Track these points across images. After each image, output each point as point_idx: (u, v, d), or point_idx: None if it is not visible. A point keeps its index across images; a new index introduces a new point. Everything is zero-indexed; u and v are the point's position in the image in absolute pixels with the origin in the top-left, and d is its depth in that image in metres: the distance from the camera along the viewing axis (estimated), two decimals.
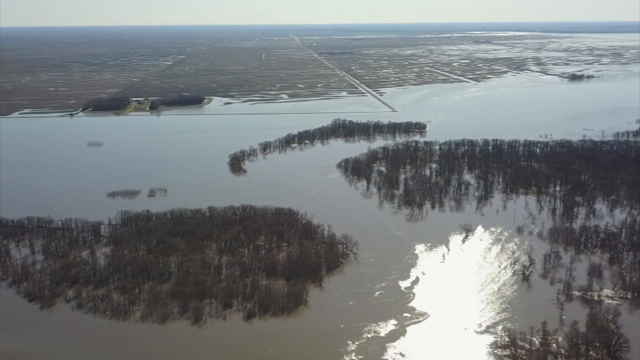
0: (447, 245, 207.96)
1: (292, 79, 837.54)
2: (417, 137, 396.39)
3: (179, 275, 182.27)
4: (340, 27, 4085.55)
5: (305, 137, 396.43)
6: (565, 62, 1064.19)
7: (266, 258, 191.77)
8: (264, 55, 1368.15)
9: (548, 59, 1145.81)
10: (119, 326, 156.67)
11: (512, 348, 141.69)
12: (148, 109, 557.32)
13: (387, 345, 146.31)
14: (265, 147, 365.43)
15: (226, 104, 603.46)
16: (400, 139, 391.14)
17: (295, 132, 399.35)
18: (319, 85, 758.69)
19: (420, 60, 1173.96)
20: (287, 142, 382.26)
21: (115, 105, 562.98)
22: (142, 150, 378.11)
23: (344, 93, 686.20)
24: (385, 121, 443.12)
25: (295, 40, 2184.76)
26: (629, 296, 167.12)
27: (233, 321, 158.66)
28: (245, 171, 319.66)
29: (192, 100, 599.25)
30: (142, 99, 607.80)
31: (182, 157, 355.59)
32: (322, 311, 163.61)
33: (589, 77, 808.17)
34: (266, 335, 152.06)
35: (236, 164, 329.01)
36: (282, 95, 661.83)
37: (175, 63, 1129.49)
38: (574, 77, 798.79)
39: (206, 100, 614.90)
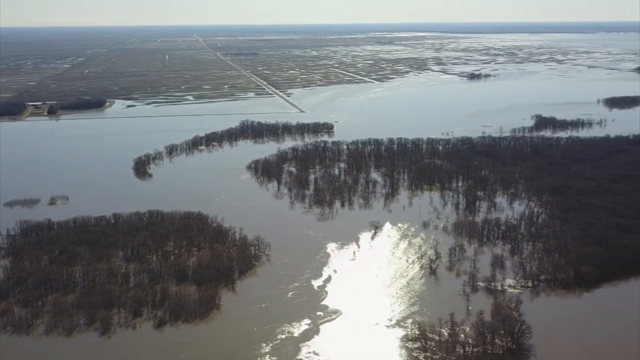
0: (357, 243, 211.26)
1: (198, 80, 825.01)
2: (325, 137, 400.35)
3: (84, 285, 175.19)
4: (245, 28, 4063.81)
5: (213, 139, 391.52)
6: (464, 62, 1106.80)
7: (176, 264, 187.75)
8: (167, 56, 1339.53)
9: (448, 59, 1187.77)
10: (21, 341, 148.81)
11: (422, 340, 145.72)
12: (46, 113, 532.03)
13: (301, 345, 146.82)
14: (172, 150, 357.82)
15: (129, 106, 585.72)
16: (309, 140, 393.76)
17: (202, 134, 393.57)
18: (226, 86, 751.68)
19: (326, 61, 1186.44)
20: (194, 144, 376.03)
21: (10, 110, 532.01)
22: (41, 156, 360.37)
23: (251, 94, 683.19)
24: (293, 122, 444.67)
25: (199, 41, 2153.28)
26: (530, 284, 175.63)
27: (143, 330, 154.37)
28: (151, 175, 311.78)
29: (93, 104, 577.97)
30: (40, 103, 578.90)
31: (84, 162, 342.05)
32: (235, 315, 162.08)
33: (486, 75, 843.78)
34: (178, 342, 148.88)
35: (141, 168, 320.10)
36: (188, 97, 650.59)
37: (74, 66, 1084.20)
38: (472, 76, 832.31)
39: (108, 103, 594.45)
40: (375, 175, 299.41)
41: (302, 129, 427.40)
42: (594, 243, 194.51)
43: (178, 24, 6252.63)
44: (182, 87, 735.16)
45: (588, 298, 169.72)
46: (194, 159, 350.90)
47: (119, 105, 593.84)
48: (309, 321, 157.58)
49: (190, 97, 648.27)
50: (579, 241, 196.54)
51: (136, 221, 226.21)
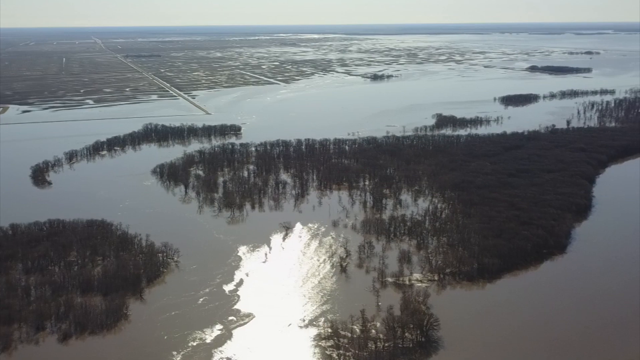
0: (268, 245, 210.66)
1: (98, 83, 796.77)
2: (233, 140, 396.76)
3: None
4: (146, 30, 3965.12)
5: (115, 144, 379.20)
6: (367, 63, 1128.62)
7: (80, 274, 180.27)
8: (64, 59, 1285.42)
9: (351, 60, 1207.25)
10: None
11: (335, 338, 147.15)
12: None
13: (213, 351, 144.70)
14: (72, 157, 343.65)
15: (24, 112, 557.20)
16: (217, 142, 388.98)
17: (104, 138, 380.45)
18: (127, 89, 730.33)
19: (230, 62, 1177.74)
20: (96, 149, 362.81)
21: None
22: None
23: (154, 97, 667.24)
24: (199, 124, 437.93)
25: (98, 44, 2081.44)
26: (436, 278, 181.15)
27: (47, 344, 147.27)
28: (51, 183, 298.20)
29: None
30: None
31: None
32: (144, 324, 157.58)
33: (389, 76, 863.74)
34: (85, 355, 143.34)
35: (39, 176, 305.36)
36: (88, 101, 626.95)
37: None
38: (375, 77, 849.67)
39: (1, 109, 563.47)
40: (284, 176, 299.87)
41: (208, 132, 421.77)
42: (495, 235, 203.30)
43: (75, 26, 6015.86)
44: (82, 91, 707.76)
45: (491, 288, 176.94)
46: (95, 165, 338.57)
47: (13, 110, 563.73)
48: (221, 326, 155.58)
49: (90, 101, 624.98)
50: (481, 234, 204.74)
51: (36, 231, 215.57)
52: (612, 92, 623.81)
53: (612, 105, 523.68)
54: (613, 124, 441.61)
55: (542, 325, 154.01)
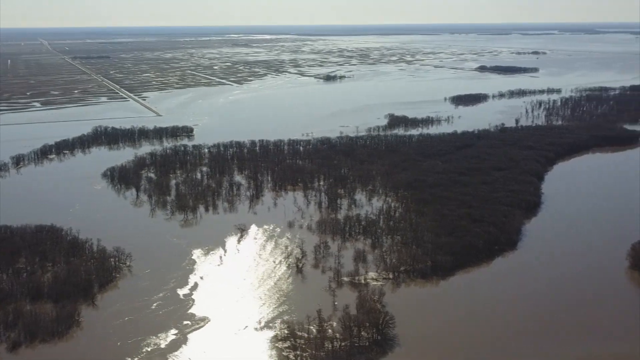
0: (223, 247, 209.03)
1: (45, 85, 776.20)
2: (185, 141, 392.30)
3: None
4: (95, 31, 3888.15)
5: (64, 147, 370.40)
6: (320, 64, 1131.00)
7: (29, 281, 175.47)
8: (9, 61, 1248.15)
9: (304, 61, 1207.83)
10: None
11: (292, 339, 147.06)
12: None
13: (168, 356, 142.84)
14: (18, 161, 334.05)
15: None
16: (168, 144, 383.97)
17: (52, 142, 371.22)
18: (76, 91, 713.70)
19: (182, 63, 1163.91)
20: (44, 153, 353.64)
21: None
22: None
23: (103, 99, 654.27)
24: (150, 126, 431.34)
25: (45, 45, 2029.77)
26: (391, 276, 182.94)
27: None
28: None
29: None
30: None
31: None
32: (96, 331, 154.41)
33: (342, 77, 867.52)
34: None
35: None
36: (34, 104, 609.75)
37: None
38: (328, 78, 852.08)
39: None
40: (239, 178, 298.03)
41: (160, 134, 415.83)
42: (448, 233, 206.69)
43: (20, 26, 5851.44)
44: (28, 94, 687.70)
45: (444, 285, 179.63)
46: (44, 169, 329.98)
47: None
48: (176, 331, 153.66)
49: (37, 104, 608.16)
50: (434, 232, 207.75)
51: None
52: (559, 91, 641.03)
53: (559, 104, 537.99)
54: (560, 122, 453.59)
55: (494, 319, 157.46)
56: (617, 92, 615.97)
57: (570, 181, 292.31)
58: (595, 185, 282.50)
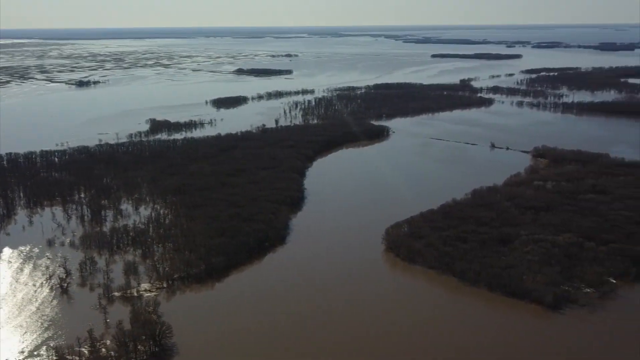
0: None
1: None
2: None
3: None
4: None
5: None
6: (70, 69, 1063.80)
7: None
8: None
9: (52, 67, 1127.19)
10: None
11: None
12: None
13: None
14: None
15: None
16: None
17: None
18: None
19: None
20: None
21: None
22: None
23: None
24: None
25: None
26: (165, 285, 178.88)
27: None
28: None
29: None
30: None
31: None
32: None
33: (96, 82, 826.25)
34: None
35: None
36: None
37: None
38: (81, 84, 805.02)
39: None
40: None
41: None
42: (219, 235, 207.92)
43: None
44: None
45: (220, 287, 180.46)
46: None
47: None
48: None
49: None
50: (206, 235, 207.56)
51: None
52: (312, 91, 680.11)
53: (313, 103, 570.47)
54: (316, 121, 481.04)
55: (272, 313, 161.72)
56: (363, 90, 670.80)
57: (329, 175, 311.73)
58: (351, 178, 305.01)
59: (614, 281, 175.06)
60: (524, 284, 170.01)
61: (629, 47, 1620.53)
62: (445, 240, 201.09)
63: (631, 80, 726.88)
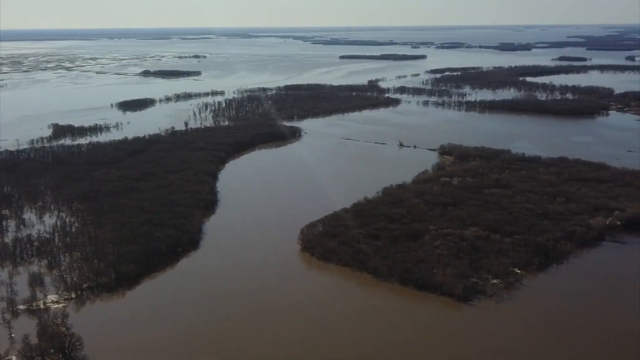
0: None
1: None
2: None
3: None
4: None
5: None
6: None
7: None
8: None
9: None
10: None
11: None
12: None
13: None
14: None
15: None
16: None
17: None
18: None
19: None
20: None
21: None
22: None
23: None
24: None
25: None
26: (73, 296, 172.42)
27: None
28: None
29: None
30: None
31: None
32: None
33: None
34: None
35: None
36: None
37: None
38: None
39: None
40: None
41: None
42: (130, 241, 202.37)
43: None
44: None
45: (131, 295, 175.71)
46: None
47: None
48: None
49: None
50: (115, 242, 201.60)
51: None
52: (222, 93, 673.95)
53: (224, 105, 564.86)
54: (227, 123, 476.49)
55: (186, 323, 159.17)
56: (273, 92, 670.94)
57: (242, 177, 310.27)
58: (264, 179, 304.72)
59: (519, 271, 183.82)
60: (434, 277, 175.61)
61: (526, 47, 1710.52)
62: (358, 238, 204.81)
63: (529, 79, 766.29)
